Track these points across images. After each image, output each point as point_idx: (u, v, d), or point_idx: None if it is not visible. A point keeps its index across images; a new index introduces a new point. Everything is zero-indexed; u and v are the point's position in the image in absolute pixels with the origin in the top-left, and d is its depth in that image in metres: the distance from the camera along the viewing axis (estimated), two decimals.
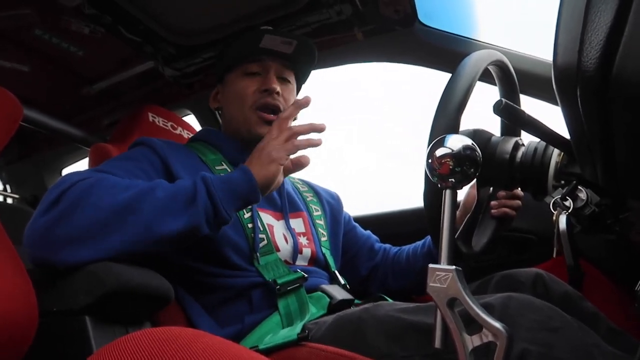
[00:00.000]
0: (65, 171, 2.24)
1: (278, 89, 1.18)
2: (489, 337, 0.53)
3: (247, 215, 1.09)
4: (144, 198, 0.85)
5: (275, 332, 0.95)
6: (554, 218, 0.81)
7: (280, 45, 1.19)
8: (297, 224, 1.22)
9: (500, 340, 0.52)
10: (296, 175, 1.44)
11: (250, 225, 1.08)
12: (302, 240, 1.19)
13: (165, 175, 1.04)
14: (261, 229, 1.09)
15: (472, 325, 0.54)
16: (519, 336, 0.67)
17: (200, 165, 1.13)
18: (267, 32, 1.17)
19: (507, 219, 1.02)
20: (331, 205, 1.38)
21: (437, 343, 0.57)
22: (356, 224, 1.44)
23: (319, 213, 1.32)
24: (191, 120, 1.85)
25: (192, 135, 1.63)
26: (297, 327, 0.91)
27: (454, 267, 0.57)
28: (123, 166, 0.99)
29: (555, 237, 0.81)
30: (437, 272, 0.57)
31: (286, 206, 1.21)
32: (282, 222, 1.18)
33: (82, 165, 2.22)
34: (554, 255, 0.85)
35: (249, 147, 1.21)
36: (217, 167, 1.15)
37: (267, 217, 1.15)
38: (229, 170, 1.15)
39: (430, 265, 0.58)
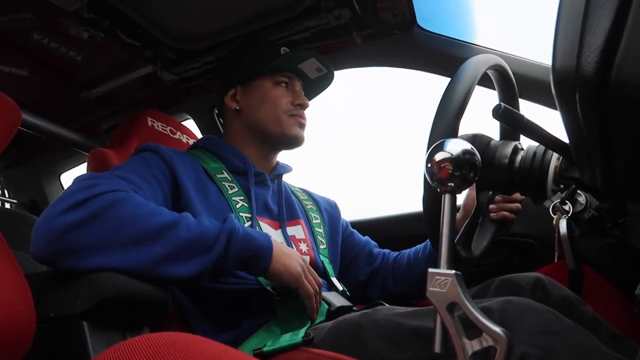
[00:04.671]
0: (64, 176, 2.24)
1: (308, 104, 1.29)
2: (488, 342, 0.53)
3: (247, 224, 1.09)
4: (164, 233, 0.85)
5: (273, 338, 0.94)
6: (554, 222, 0.81)
7: (313, 70, 1.31)
8: (297, 231, 1.22)
9: (499, 344, 0.52)
10: (295, 183, 1.44)
11: None
12: (302, 247, 1.19)
13: (172, 183, 1.05)
14: None
15: (472, 329, 0.54)
16: (519, 340, 0.67)
17: (202, 174, 1.14)
18: (313, 55, 1.29)
19: (506, 222, 1.02)
20: (329, 213, 1.39)
21: (437, 348, 0.57)
22: (354, 230, 1.44)
23: (318, 221, 1.32)
24: (190, 124, 1.85)
25: (190, 139, 1.64)
26: (301, 332, 0.90)
27: (453, 271, 0.57)
28: (139, 173, 0.99)
29: (556, 241, 0.81)
30: (437, 277, 0.57)
31: (283, 215, 1.21)
32: (279, 231, 1.18)
33: (81, 170, 2.21)
34: (556, 260, 0.84)
35: (260, 152, 1.27)
36: (219, 176, 1.16)
37: (265, 227, 1.15)
38: (230, 179, 1.16)
39: (430, 270, 0.58)
